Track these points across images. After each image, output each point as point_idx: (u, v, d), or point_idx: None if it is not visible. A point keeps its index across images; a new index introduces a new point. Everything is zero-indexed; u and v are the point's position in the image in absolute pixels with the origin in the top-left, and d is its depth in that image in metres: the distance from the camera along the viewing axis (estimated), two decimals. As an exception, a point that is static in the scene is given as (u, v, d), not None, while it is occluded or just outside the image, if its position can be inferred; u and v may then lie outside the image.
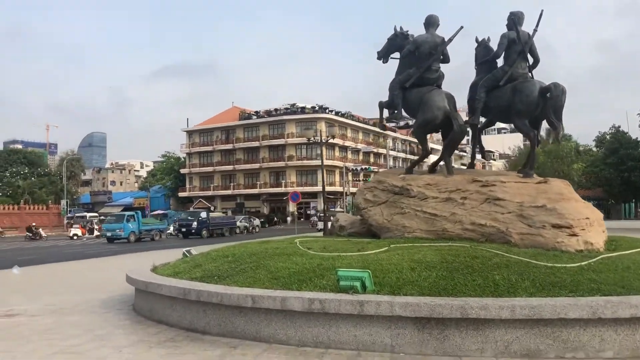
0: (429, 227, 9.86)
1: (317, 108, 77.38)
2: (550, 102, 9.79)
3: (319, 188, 71.49)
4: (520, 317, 5.65)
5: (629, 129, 58.16)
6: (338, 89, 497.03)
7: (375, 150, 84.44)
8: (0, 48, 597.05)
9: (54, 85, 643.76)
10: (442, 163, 11.43)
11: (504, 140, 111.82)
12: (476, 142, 11.85)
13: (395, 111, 11.61)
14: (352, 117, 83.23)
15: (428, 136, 11.99)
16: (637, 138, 53.55)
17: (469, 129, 11.43)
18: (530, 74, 10.55)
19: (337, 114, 79.00)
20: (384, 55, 11.94)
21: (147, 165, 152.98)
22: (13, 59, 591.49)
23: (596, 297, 5.93)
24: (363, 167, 71.56)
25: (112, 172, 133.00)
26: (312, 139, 33.55)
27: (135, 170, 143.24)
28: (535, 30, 10.38)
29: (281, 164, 76.15)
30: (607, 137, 58.88)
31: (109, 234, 39.04)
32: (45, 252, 28.97)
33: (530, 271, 6.81)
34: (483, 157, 12.33)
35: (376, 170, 72.56)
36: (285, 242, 10.94)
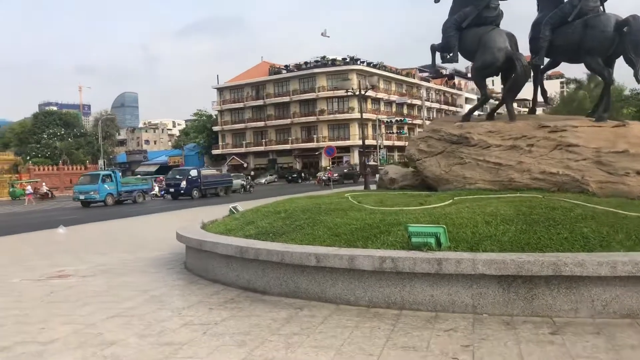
0: (493, 177, 9.22)
1: (348, 60, 75.65)
2: (628, 37, 8.88)
3: (351, 142, 70.85)
4: (622, 274, 5.05)
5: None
6: (369, 38, 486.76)
7: (409, 101, 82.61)
8: (27, 9, 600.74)
9: (81, 46, 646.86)
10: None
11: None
12: (538, 86, 10.98)
13: (450, 54, 10.82)
14: (384, 67, 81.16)
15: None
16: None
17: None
18: (602, 8, 9.61)
19: (368, 64, 77.17)
20: (437, -6, 11.09)
21: (179, 124, 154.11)
22: (40, 20, 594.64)
23: None
24: (397, 119, 70.10)
25: (146, 131, 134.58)
26: (350, 90, 32.65)
27: (168, 129, 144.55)
28: None
29: (312, 118, 75.31)
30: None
31: (81, 197, 33.56)
32: (85, 213, 29.37)
33: (622, 222, 6.15)
34: (545, 101, 11.49)
35: (410, 121, 71.36)
36: (336, 197, 10.48)
